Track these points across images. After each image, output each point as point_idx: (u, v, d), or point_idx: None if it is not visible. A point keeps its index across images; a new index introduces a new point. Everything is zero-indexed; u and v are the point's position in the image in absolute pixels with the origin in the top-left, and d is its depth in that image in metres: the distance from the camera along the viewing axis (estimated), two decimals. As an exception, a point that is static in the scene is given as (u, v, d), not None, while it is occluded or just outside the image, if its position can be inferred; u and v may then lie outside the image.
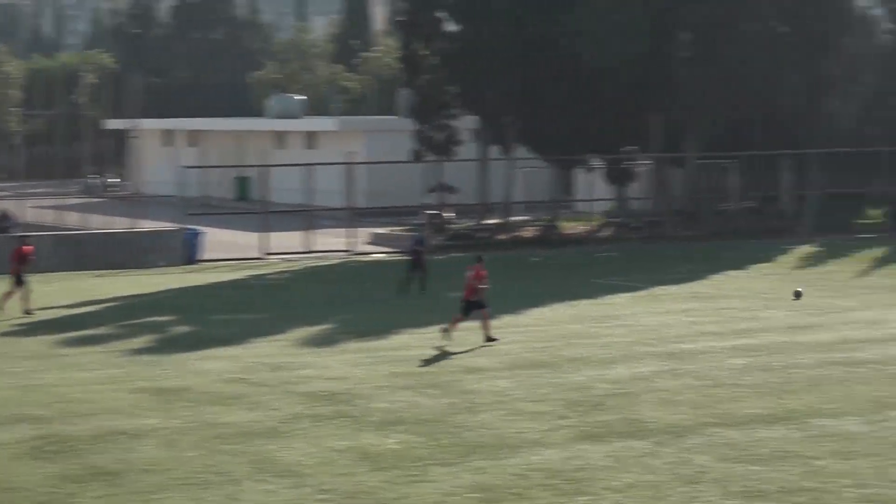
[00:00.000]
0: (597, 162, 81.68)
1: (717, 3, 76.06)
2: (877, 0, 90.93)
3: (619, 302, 52.11)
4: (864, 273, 60.31)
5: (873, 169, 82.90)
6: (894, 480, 25.62)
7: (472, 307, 42.04)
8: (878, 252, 68.16)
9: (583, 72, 75.91)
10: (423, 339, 43.36)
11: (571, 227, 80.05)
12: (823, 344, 41.11)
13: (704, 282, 58.60)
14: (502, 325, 46.23)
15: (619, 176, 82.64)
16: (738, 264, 63.35)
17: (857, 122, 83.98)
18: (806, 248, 70.33)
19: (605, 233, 79.50)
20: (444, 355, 40.22)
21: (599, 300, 52.45)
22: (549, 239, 75.60)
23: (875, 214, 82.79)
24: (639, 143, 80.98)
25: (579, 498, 24.75)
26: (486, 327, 42.18)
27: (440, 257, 69.98)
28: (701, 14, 76.07)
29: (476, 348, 41.21)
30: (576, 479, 26.04)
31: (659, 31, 76.69)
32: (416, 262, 56.11)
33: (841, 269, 61.57)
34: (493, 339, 41.79)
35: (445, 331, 42.01)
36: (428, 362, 39.13)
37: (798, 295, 51.25)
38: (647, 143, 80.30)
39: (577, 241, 76.28)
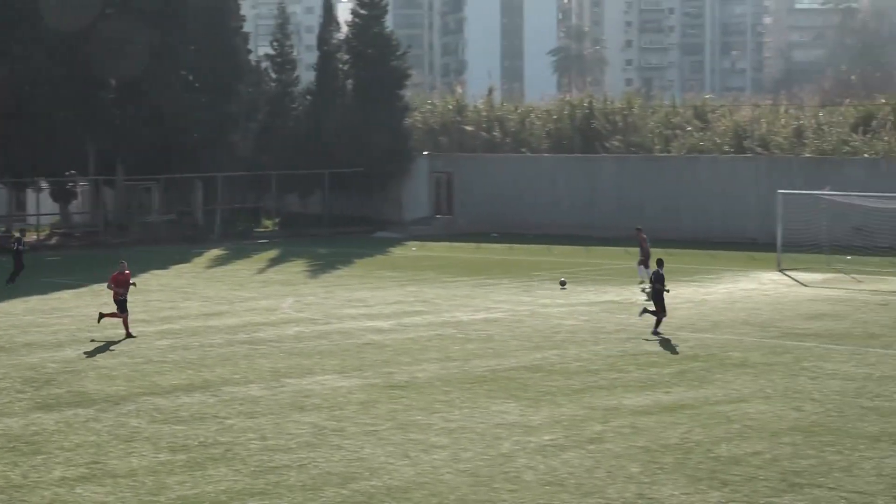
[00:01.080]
0: (44, 183, 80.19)
1: (138, 57, 76.00)
2: (265, 56, 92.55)
3: (65, 297, 51.27)
4: (262, 270, 61.18)
5: (266, 188, 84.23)
6: (289, 433, 26.28)
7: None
8: (271, 253, 69.27)
9: (29, 110, 74.58)
10: None
11: (26, 238, 78.11)
12: (231, 327, 41.58)
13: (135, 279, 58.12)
14: (-32, 317, 44.97)
15: (62, 195, 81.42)
16: (161, 265, 63.24)
17: (253, 151, 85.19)
18: (215, 251, 70.80)
19: (52, 241, 77.99)
20: (-82, 343, 38.86)
21: (48, 296, 51.45)
22: (8, 248, 73.54)
23: (268, 224, 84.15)
24: (79, 168, 80.00)
25: (37, 457, 24.46)
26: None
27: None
28: (124, 67, 75.78)
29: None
30: (33, 441, 25.73)
31: (87, 78, 76.33)
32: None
33: (243, 268, 62.27)
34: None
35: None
36: None
37: (563, 284, 51.60)
38: (87, 167, 79.42)
39: (30, 248, 74.56)
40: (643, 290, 49.24)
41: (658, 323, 39.22)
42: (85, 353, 36.69)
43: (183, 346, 37.56)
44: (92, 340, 38.71)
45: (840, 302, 44.24)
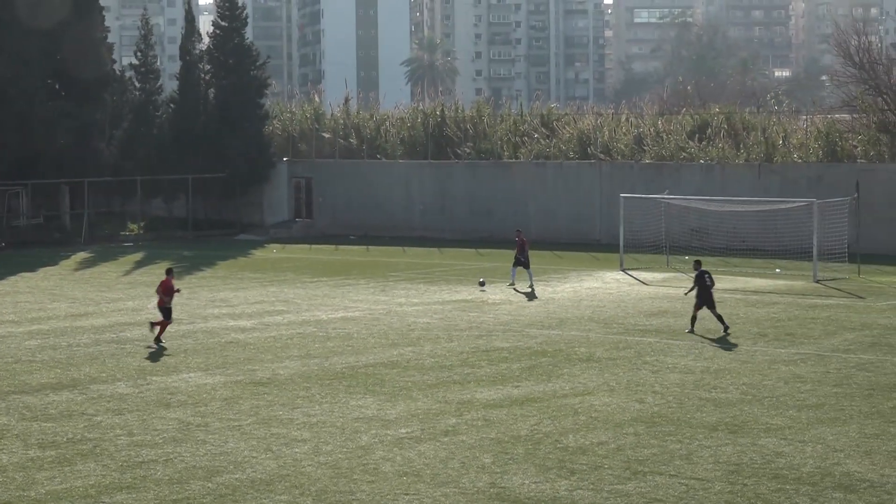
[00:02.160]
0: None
1: (3, 65, 75.09)
2: (129, 65, 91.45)
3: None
4: (128, 272, 60.35)
5: (131, 193, 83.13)
6: (156, 429, 26.03)
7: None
8: (137, 256, 68.41)
9: None
10: None
11: None
12: (98, 327, 41.04)
13: (2, 281, 57.19)
14: None
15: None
16: (30, 267, 62.14)
17: (118, 157, 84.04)
18: (82, 254, 69.72)
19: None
20: None
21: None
22: None
23: (134, 228, 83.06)
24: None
25: None
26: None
27: None
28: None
29: None
30: None
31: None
32: None
33: (110, 270, 61.37)
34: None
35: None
36: None
37: (482, 284, 50.99)
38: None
39: None
40: (515, 290, 49.69)
41: (693, 320, 39.12)
42: (-46, 353, 35.97)
43: (51, 346, 36.99)
44: None
45: (679, 300, 44.84)
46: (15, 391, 30.13)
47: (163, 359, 34.73)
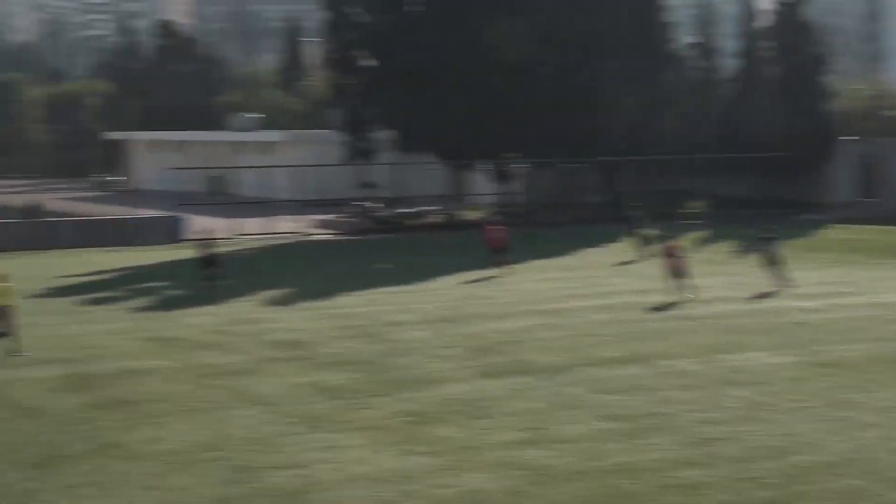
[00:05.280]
0: (485, 165, 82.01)
1: (573, 47, 77.03)
2: (689, 44, 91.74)
3: (505, 272, 52.16)
4: (696, 251, 60.44)
5: (691, 171, 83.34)
6: (722, 407, 25.83)
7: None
8: (701, 234, 68.57)
9: (472, 98, 76.43)
10: (359, 300, 43.28)
11: (467, 216, 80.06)
12: (663, 304, 41.33)
13: (569, 257, 58.76)
14: (417, 289, 46.29)
15: (502, 175, 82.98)
16: (595, 243, 63.54)
17: (677, 136, 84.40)
18: (647, 231, 70.51)
19: (493, 220, 79.48)
20: (375, 312, 40.16)
21: (489, 271, 52.48)
22: (450, 224, 75.55)
23: (696, 206, 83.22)
24: (519, 150, 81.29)
25: (484, 420, 24.78)
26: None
27: (369, 238, 70.07)
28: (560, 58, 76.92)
29: (399, 307, 41.25)
30: (481, 406, 26.08)
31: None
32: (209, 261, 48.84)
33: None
34: None
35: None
36: (363, 317, 39.07)
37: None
38: (525, 150, 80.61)
39: (471, 226, 76.28)
40: None
41: None
42: (525, 325, 37.11)
43: (617, 321, 37.53)
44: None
45: None
46: (584, 364, 30.70)
47: (728, 337, 34.49)
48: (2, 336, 33.03)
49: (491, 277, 50.09)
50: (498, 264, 51.14)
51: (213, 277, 46.85)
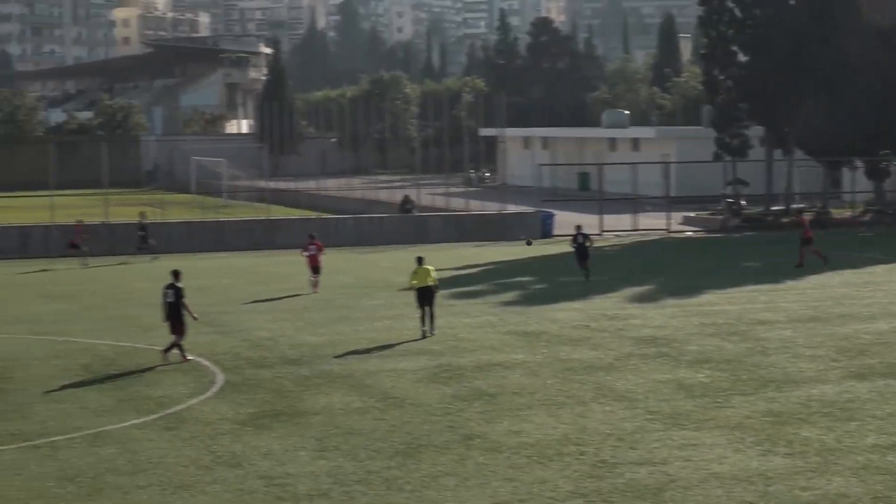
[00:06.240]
0: (858, 163, 79.87)
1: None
2: None
3: (878, 272, 50.65)
4: None
5: None
6: None
7: None
8: None
9: (847, 94, 74.50)
10: (724, 298, 42.80)
11: (838, 214, 78.04)
12: None
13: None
14: (785, 288, 45.47)
15: (876, 173, 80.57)
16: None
17: None
18: None
19: (866, 218, 77.29)
20: (740, 310, 39.63)
21: (861, 270, 51.06)
22: (821, 222, 73.70)
23: None
24: (892, 148, 78.78)
25: (850, 423, 24.18)
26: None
27: (736, 236, 69.25)
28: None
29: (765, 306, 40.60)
30: (847, 408, 25.46)
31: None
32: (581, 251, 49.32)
33: None
34: None
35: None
36: (728, 315, 38.63)
37: (529, 243, 52.80)
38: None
39: (842, 224, 74.34)
40: None
41: None
42: (897, 326, 35.97)
43: None
44: (904, 314, 37.87)
45: None
46: (958, 367, 29.51)
47: None
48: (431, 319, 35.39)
49: (865, 278, 48.68)
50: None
51: (586, 271, 47.94)
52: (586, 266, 48.55)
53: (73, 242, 57.86)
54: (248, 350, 33.29)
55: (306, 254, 46.72)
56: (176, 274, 32.32)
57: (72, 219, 62.16)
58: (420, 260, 36.70)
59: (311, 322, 38.28)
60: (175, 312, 31.58)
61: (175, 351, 31.60)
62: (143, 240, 60.18)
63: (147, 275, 51.77)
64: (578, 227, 49.04)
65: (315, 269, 46.48)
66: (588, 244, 48.70)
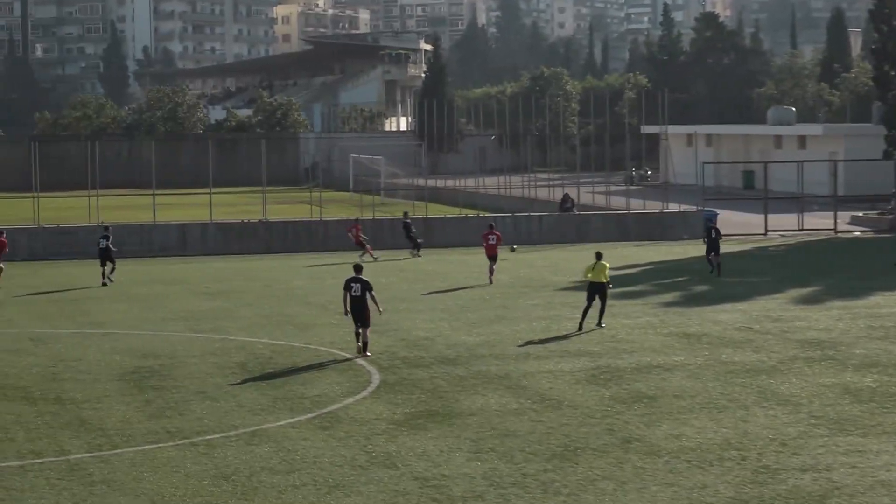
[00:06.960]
0: None
1: None
2: None
3: None
4: None
5: None
6: None
7: None
8: None
9: None
10: (894, 300, 41.93)
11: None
12: None
13: None
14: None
15: None
16: None
17: None
18: None
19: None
20: (911, 314, 38.84)
21: None
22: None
23: None
24: None
25: None
26: None
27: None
28: None
29: (937, 309, 39.66)
30: None
31: None
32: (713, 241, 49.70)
33: None
34: None
35: None
36: (897, 319, 37.87)
37: (512, 249, 54.50)
38: None
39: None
40: None
41: None
42: None
43: None
44: None
45: None
46: None
47: None
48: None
49: None
50: None
51: (715, 265, 48.85)
52: (717, 260, 49.42)
53: (358, 241, 58.57)
54: (404, 350, 33.48)
55: (485, 244, 49.03)
56: (358, 268, 33.08)
57: (252, 216, 62.76)
58: (599, 255, 37.24)
59: (467, 322, 38.37)
60: (360, 306, 32.07)
61: (359, 344, 32.26)
62: (411, 238, 60.62)
63: (304, 273, 52.32)
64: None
65: (492, 257, 48.64)
66: (720, 238, 50.06)
